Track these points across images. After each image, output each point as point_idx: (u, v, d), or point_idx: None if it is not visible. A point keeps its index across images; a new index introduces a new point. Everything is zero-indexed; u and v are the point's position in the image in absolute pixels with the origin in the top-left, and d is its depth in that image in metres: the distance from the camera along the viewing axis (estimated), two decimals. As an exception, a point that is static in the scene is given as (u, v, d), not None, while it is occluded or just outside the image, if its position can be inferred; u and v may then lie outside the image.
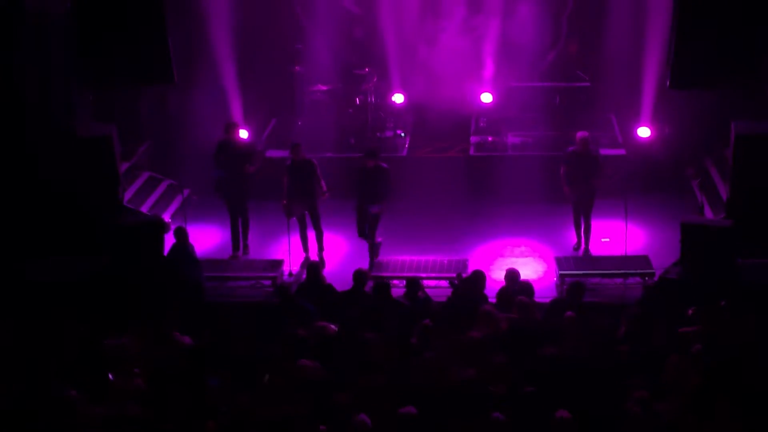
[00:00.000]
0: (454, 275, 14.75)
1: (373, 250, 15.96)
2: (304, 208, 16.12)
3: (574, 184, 16.09)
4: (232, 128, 16.64)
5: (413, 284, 13.82)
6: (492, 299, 13.81)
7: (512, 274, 13.99)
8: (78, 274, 14.65)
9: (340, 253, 16.43)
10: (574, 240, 16.50)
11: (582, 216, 16.24)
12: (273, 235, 16.88)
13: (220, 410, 10.56)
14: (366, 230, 15.94)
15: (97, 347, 11.85)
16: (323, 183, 16.10)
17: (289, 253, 16.09)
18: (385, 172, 15.87)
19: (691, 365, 11.05)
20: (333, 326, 12.47)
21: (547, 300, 14.29)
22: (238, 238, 16.59)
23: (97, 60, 15.35)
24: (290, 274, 15.93)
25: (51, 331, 12.30)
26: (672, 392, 10.76)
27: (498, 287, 14.14)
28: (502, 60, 19.64)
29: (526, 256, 16.51)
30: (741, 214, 14.97)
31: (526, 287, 13.88)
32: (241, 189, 16.47)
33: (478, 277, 13.86)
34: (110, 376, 11.24)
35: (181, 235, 14.92)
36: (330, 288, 14.30)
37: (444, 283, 14.98)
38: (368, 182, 15.81)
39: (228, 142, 16.51)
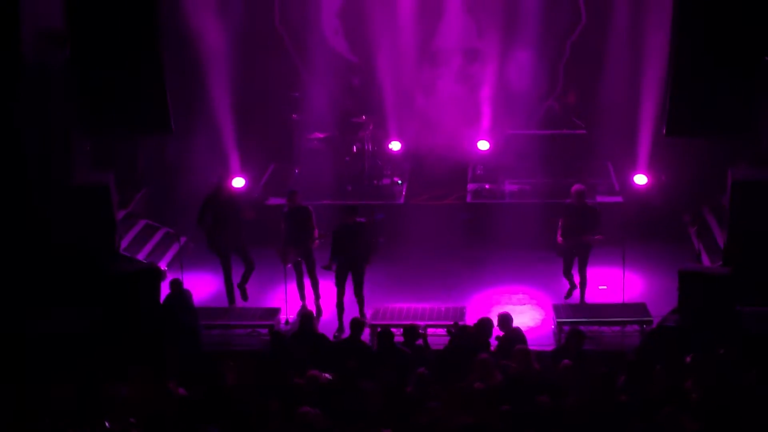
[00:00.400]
0: (452, 323, 14.64)
1: (362, 301, 15.87)
2: (299, 255, 16.09)
3: (569, 236, 15.88)
4: (224, 179, 16.60)
5: (411, 332, 13.75)
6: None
7: (504, 319, 13.87)
8: (75, 325, 14.62)
9: (334, 301, 16.28)
10: (567, 287, 16.36)
11: (577, 269, 16.06)
12: (270, 283, 16.82)
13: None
14: (343, 294, 15.80)
15: (95, 395, 11.78)
16: (316, 230, 16.07)
17: (285, 301, 16.03)
18: (365, 228, 15.80)
19: (689, 415, 10.95)
20: (326, 375, 12.39)
21: (545, 347, 14.23)
22: (232, 291, 16.51)
23: (95, 109, 15.41)
24: (287, 323, 15.87)
25: (48, 384, 12.22)
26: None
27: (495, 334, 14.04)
28: (499, 108, 19.75)
29: (524, 304, 16.45)
30: (738, 261, 14.94)
31: (518, 334, 13.74)
32: (238, 237, 16.39)
33: (485, 325, 13.71)
34: (107, 424, 11.16)
35: (177, 287, 14.82)
36: (323, 337, 14.25)
37: (441, 330, 14.89)
38: (350, 239, 15.71)
39: (219, 193, 16.42)
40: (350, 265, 15.73)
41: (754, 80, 14.54)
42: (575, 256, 16.03)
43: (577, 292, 16.22)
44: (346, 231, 15.70)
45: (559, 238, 15.94)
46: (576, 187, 16.05)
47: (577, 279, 16.17)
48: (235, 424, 11.23)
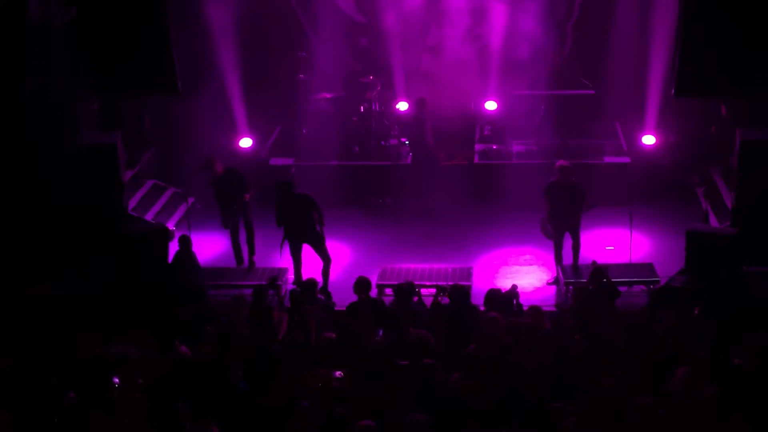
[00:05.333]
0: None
1: (327, 269, 15.71)
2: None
3: (557, 217, 15.51)
4: (212, 164, 16.35)
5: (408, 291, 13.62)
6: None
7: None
8: (84, 286, 14.68)
9: (342, 263, 16.32)
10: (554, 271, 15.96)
11: (571, 239, 15.65)
12: (276, 244, 16.80)
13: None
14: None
15: (102, 355, 11.84)
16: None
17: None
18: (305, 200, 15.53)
19: (701, 375, 10.92)
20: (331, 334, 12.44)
21: (551, 308, 14.25)
22: (240, 251, 16.51)
23: (102, 70, 15.40)
24: (293, 282, 15.88)
25: (57, 344, 12.28)
26: (682, 404, 10.60)
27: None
28: (506, 68, 19.65)
29: (531, 264, 16.47)
30: (746, 221, 14.93)
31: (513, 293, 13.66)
32: (240, 210, 16.38)
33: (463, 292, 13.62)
34: (115, 380, 11.23)
35: (185, 243, 14.91)
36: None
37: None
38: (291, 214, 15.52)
39: (215, 177, 16.37)
40: (300, 237, 15.64)
41: (763, 40, 14.46)
42: (565, 235, 15.68)
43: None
44: (287, 207, 15.53)
45: (548, 225, 15.55)
46: (560, 163, 15.65)
47: (566, 262, 15.81)
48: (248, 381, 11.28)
